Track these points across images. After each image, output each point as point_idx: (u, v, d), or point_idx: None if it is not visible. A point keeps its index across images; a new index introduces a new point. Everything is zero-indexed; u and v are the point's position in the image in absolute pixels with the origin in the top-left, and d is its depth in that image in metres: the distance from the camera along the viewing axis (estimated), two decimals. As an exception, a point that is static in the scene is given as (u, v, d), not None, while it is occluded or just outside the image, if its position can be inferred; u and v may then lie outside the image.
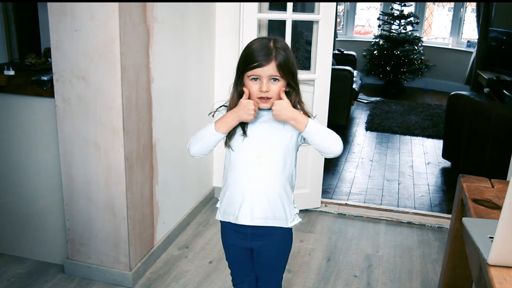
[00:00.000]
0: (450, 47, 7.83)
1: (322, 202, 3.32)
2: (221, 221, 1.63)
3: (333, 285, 2.42)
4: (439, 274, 2.48)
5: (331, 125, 3.06)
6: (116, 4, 1.96)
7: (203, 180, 3.22)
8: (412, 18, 7.44)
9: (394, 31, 7.47)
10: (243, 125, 1.49)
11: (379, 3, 8.20)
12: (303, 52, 4.17)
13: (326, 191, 3.58)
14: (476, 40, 6.91)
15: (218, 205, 1.63)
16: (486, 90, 5.57)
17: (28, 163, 2.40)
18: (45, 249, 2.49)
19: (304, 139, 1.49)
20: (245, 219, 1.52)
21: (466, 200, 1.64)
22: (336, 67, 5.14)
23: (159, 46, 2.36)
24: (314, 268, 2.58)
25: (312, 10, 2.98)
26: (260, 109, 1.48)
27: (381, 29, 7.70)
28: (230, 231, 1.61)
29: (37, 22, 2.98)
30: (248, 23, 2.78)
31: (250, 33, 2.78)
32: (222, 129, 1.46)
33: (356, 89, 5.59)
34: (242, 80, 1.46)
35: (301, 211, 3.16)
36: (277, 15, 3.01)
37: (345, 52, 6.81)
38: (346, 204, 3.37)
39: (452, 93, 4.23)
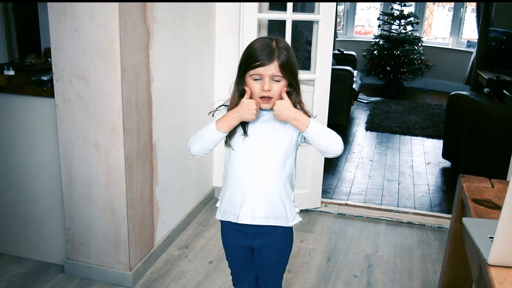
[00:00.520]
0: (450, 47, 7.83)
1: (322, 202, 3.32)
2: (221, 221, 1.63)
3: (333, 285, 2.42)
4: (439, 274, 2.48)
5: (331, 125, 3.06)
6: (116, 4, 1.96)
7: (203, 180, 3.22)
8: (412, 18, 7.44)
9: (394, 31, 7.47)
10: (243, 124, 1.49)
11: (379, 3, 8.20)
12: (303, 52, 4.17)
13: (326, 191, 3.58)
14: (476, 40, 6.91)
15: (218, 205, 1.63)
16: (486, 90, 5.57)
17: (28, 163, 2.40)
18: (45, 249, 2.49)
19: (304, 138, 1.50)
20: (246, 219, 1.52)
21: (466, 200, 1.64)
22: (336, 67, 5.14)
23: (159, 46, 2.36)
24: (314, 268, 2.58)
25: (312, 10, 2.98)
26: (261, 108, 1.48)
27: (381, 29, 7.70)
28: (230, 230, 1.61)
29: (37, 22, 2.98)
30: (248, 23, 2.78)
31: (250, 33, 2.78)
32: (223, 128, 1.46)
33: (356, 89, 5.59)
34: (244, 79, 1.46)
35: (301, 211, 3.15)
36: (277, 15, 3.01)
37: (345, 52, 6.81)
38: (346, 204, 3.37)
39: (452, 93, 4.23)
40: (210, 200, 3.29)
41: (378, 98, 6.90)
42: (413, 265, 2.64)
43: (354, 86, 5.32)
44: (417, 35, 7.50)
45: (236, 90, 1.50)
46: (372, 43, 7.70)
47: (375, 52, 7.55)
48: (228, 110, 1.49)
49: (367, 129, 5.46)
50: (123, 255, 2.30)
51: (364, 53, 7.85)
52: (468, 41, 7.61)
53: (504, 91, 4.33)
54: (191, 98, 2.85)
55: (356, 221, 3.15)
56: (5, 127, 2.38)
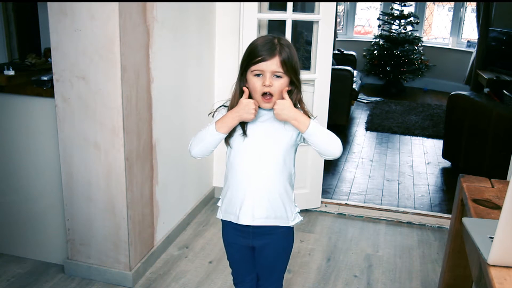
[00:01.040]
0: (450, 47, 7.83)
1: (322, 202, 3.32)
2: (222, 220, 1.63)
3: (333, 285, 2.42)
4: (439, 274, 2.48)
5: (331, 125, 3.07)
6: (116, 4, 1.96)
7: (203, 180, 3.22)
8: (412, 18, 7.43)
9: (394, 31, 7.47)
10: (243, 124, 1.49)
11: (379, 3, 8.20)
12: (303, 52, 4.17)
13: (326, 191, 3.58)
14: (476, 40, 6.91)
15: (219, 204, 1.64)
16: (486, 90, 5.57)
17: (28, 163, 2.40)
18: (45, 249, 2.49)
19: (303, 139, 1.49)
20: (246, 219, 1.52)
21: (466, 200, 1.64)
22: (336, 67, 5.14)
23: (159, 46, 2.36)
24: (314, 268, 2.58)
25: (312, 10, 2.98)
26: (260, 108, 1.48)
27: (381, 29, 7.70)
28: (231, 229, 1.61)
29: (37, 22, 2.98)
30: (248, 23, 2.78)
31: (250, 33, 2.78)
32: (222, 129, 1.46)
33: (356, 89, 5.59)
34: (246, 76, 1.46)
35: (301, 211, 3.13)
36: (277, 15, 3.01)
37: (345, 52, 6.81)
38: (346, 204, 3.37)
39: (452, 93, 4.23)
40: (210, 200, 3.29)
41: (378, 98, 6.90)
42: (413, 265, 2.64)
43: (354, 86, 5.32)
44: (417, 35, 7.50)
45: (237, 89, 1.50)
46: (372, 43, 7.70)
47: (375, 52, 7.55)
48: (229, 108, 1.49)
49: (367, 129, 5.46)
50: (123, 255, 2.30)
51: (364, 53, 7.85)
52: (468, 41, 7.61)
53: (504, 91, 4.33)
54: (191, 98, 2.85)
55: (356, 221, 3.15)
56: (5, 127, 2.38)
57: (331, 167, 4.08)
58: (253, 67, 1.42)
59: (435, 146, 4.92)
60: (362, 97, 6.87)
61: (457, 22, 7.75)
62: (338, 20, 8.06)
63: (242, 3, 2.76)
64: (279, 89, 1.44)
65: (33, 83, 2.27)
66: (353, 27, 8.47)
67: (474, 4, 7.22)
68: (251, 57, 1.43)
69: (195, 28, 2.80)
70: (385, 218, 3.17)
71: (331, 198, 3.48)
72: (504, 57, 6.16)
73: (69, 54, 2.08)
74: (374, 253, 2.76)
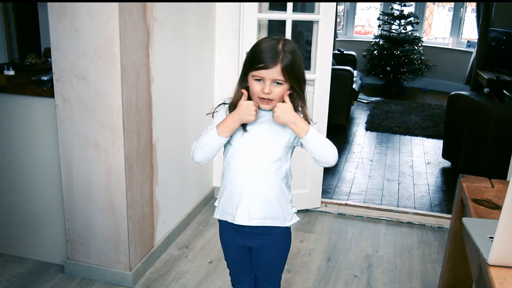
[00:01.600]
0: (450, 47, 7.83)
1: (322, 202, 3.32)
2: (219, 220, 1.63)
3: (333, 285, 2.42)
4: (439, 274, 2.48)
5: (331, 125, 3.07)
6: (116, 4, 1.96)
7: (203, 180, 3.22)
8: (412, 18, 7.43)
9: (394, 31, 7.47)
10: (243, 124, 1.48)
11: (379, 3, 8.20)
12: (303, 52, 4.16)
13: (326, 191, 3.58)
14: (476, 40, 6.91)
15: (216, 204, 1.63)
16: (486, 90, 5.56)
17: (28, 163, 2.40)
18: (45, 249, 2.49)
19: (300, 143, 1.49)
20: (242, 219, 1.52)
21: (466, 200, 1.64)
22: (336, 67, 5.14)
23: (159, 46, 2.36)
24: (314, 268, 2.58)
25: (312, 10, 2.98)
26: (259, 109, 1.47)
27: (381, 29, 7.70)
28: (228, 229, 1.60)
29: (37, 22, 2.98)
30: (248, 23, 2.78)
31: (250, 33, 2.78)
32: (224, 133, 1.46)
33: (356, 89, 5.59)
34: (247, 77, 1.46)
35: (301, 211, 3.16)
36: (277, 15, 3.01)
37: (345, 52, 6.81)
38: (346, 204, 3.37)
39: (452, 93, 4.23)
40: (210, 200, 3.29)
41: (378, 98, 6.90)
42: (413, 265, 2.64)
43: (354, 86, 5.32)
44: (417, 35, 7.50)
45: (239, 87, 1.49)
46: (372, 43, 7.70)
47: (375, 52, 7.55)
48: (230, 105, 1.49)
49: (367, 129, 5.46)
50: (123, 255, 2.30)
51: (364, 53, 7.85)
52: (468, 41, 7.61)
53: (504, 91, 4.33)
54: (191, 98, 2.85)
55: (356, 221, 3.15)
56: (5, 127, 2.38)
57: (331, 167, 4.07)
58: (254, 73, 1.41)
59: (435, 146, 4.92)
60: (362, 97, 6.87)
61: (457, 22, 7.75)
62: (338, 20, 8.06)
63: (242, 3, 2.76)
64: (279, 95, 1.43)
65: (33, 83, 2.27)
66: (353, 27, 8.47)
67: (474, 4, 7.22)
68: (253, 62, 1.41)
69: (195, 28, 2.80)
70: (385, 218, 3.17)
71: (331, 198, 3.48)
72: (504, 57, 6.16)
73: (69, 54, 2.08)
74: (374, 253, 2.76)
